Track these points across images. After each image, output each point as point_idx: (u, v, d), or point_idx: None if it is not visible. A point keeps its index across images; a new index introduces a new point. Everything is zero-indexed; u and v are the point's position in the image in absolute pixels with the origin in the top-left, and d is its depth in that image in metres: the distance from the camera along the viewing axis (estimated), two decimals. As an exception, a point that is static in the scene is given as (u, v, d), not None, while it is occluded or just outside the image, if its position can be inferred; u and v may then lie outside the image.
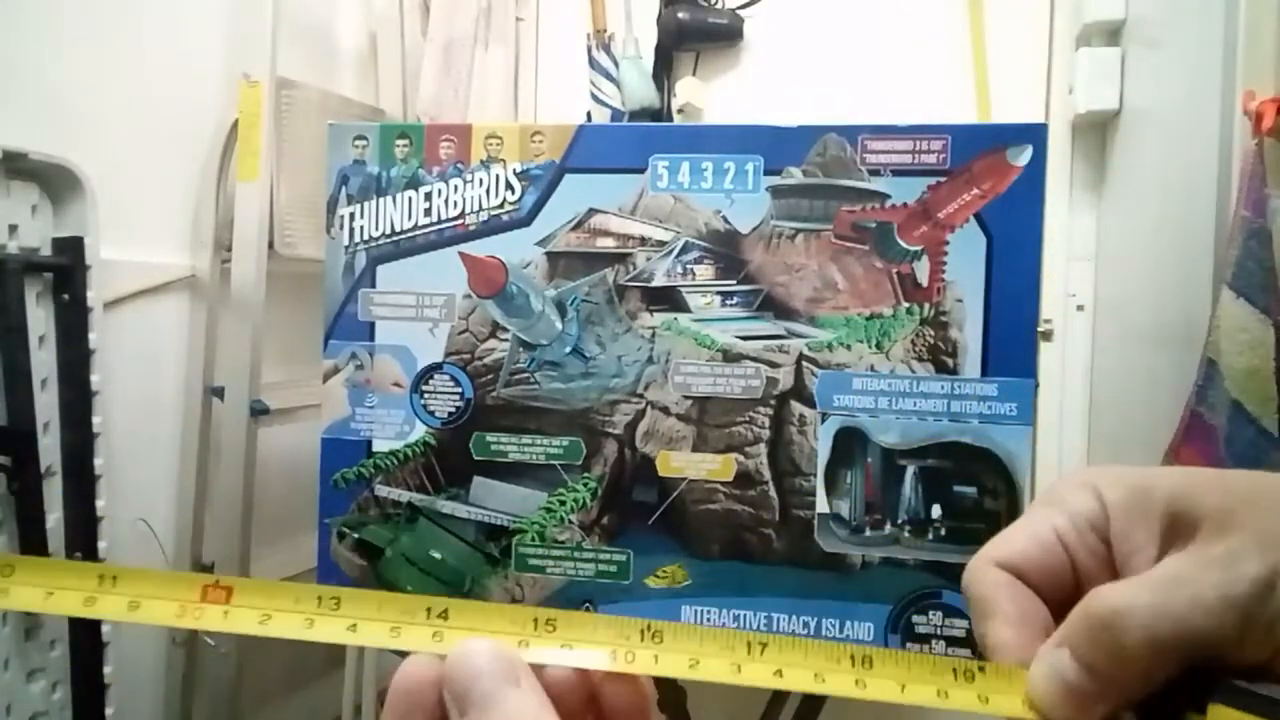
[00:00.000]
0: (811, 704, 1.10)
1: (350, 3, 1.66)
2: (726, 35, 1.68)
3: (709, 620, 0.96)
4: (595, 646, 0.28)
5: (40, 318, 1.10)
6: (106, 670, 1.14)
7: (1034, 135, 0.90)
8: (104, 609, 0.28)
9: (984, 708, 0.27)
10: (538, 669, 0.26)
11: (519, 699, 0.24)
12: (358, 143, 1.02)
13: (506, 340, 0.99)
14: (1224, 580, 0.24)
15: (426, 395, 1.01)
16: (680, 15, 1.66)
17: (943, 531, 0.92)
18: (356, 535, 1.02)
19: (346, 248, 1.02)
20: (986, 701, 0.27)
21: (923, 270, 0.92)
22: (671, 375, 0.96)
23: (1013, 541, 0.29)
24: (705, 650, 0.29)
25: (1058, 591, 0.29)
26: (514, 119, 1.74)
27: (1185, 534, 0.26)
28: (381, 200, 1.01)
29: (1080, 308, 1.59)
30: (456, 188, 1.00)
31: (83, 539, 1.11)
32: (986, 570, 0.29)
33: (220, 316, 1.36)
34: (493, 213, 0.99)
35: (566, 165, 0.98)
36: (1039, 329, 0.93)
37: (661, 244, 0.96)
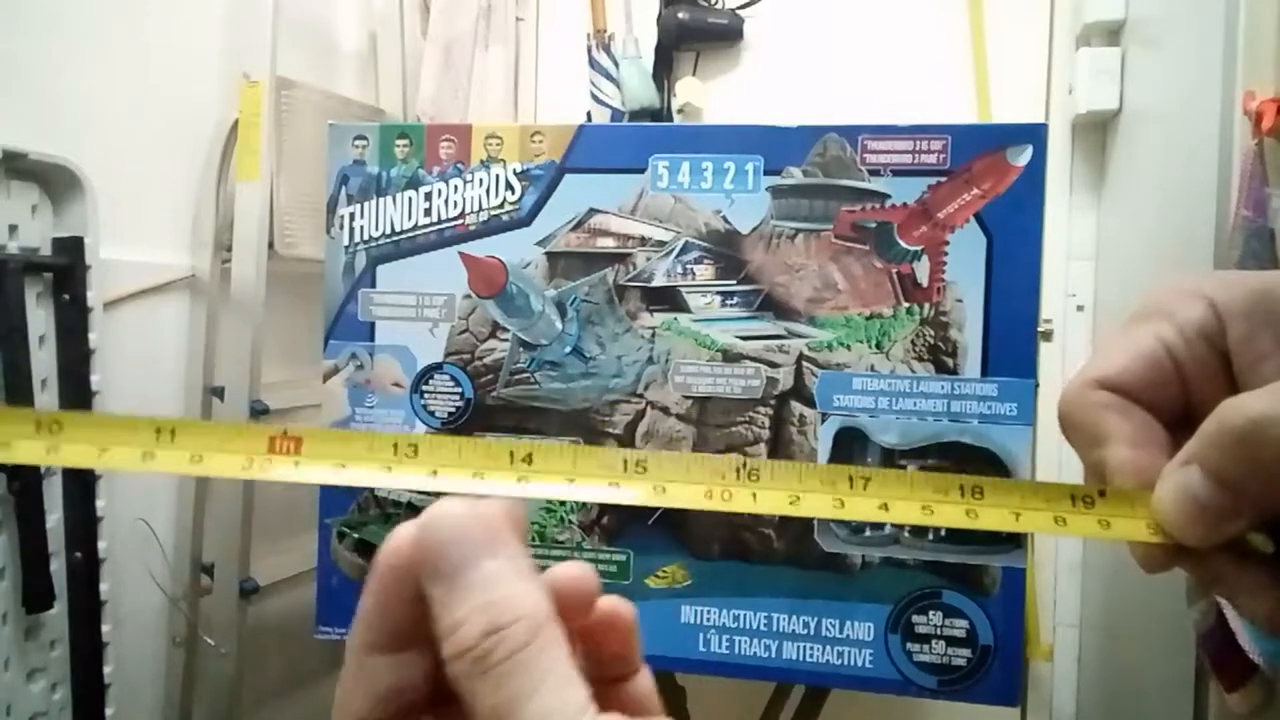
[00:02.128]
0: (812, 703, 1.10)
1: (350, 3, 1.66)
2: (726, 35, 1.68)
3: (708, 620, 0.95)
4: (689, 485, 0.27)
5: (40, 318, 1.10)
6: (106, 670, 1.14)
7: (1034, 135, 0.90)
8: (164, 463, 0.26)
9: (1105, 533, 0.26)
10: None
11: (494, 568, 0.20)
12: (358, 143, 1.02)
13: (506, 340, 0.99)
14: None
15: (426, 395, 1.01)
16: (680, 15, 1.66)
17: (942, 532, 0.92)
18: (356, 535, 1.02)
19: (346, 248, 1.02)
20: (1108, 526, 0.26)
21: (923, 270, 0.92)
22: (671, 375, 0.96)
23: (1114, 359, 0.27)
24: (806, 486, 0.27)
25: (1166, 410, 0.26)
26: (514, 119, 1.74)
27: None
28: (381, 200, 1.01)
29: (1080, 308, 1.59)
30: (456, 188, 1.00)
31: (83, 539, 1.11)
32: (1088, 393, 0.27)
33: (220, 316, 1.36)
34: (493, 213, 0.99)
35: (566, 165, 0.98)
36: (1039, 329, 0.93)
37: (661, 244, 0.96)
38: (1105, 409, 0.26)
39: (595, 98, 1.69)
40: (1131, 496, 0.26)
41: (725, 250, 0.95)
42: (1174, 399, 0.26)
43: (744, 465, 0.27)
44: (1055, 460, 1.53)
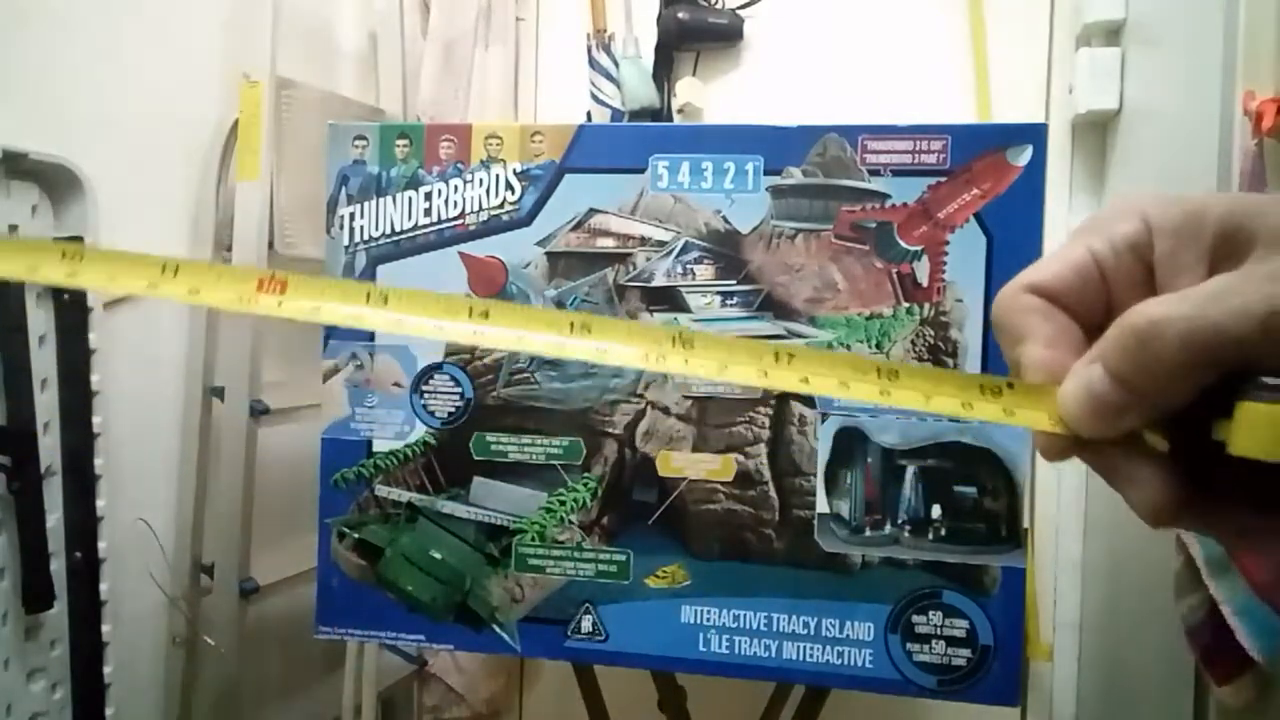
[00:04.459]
0: (812, 703, 1.10)
1: (350, 3, 1.66)
2: (726, 35, 1.67)
3: (708, 620, 0.96)
4: (629, 347, 0.29)
5: (40, 318, 1.10)
6: (106, 670, 1.14)
7: (1034, 135, 0.90)
8: (165, 292, 0.30)
9: (1009, 419, 0.28)
10: None
11: None
12: (358, 143, 1.02)
13: (506, 340, 0.99)
14: (1276, 292, 0.23)
15: (426, 395, 1.01)
16: (680, 15, 1.66)
17: (943, 531, 0.92)
18: (356, 535, 1.02)
19: (346, 248, 1.02)
20: (1012, 415, 0.28)
21: (923, 270, 0.92)
22: (671, 375, 0.96)
23: (1046, 266, 0.29)
24: (734, 357, 0.29)
25: (1093, 317, 0.28)
26: (514, 119, 1.74)
27: (1238, 253, 0.25)
28: (381, 200, 1.01)
29: (1080, 308, 1.59)
30: (456, 188, 1.00)
31: (83, 539, 1.11)
32: (1018, 296, 0.29)
33: (220, 316, 1.36)
34: (493, 213, 0.99)
35: (566, 165, 0.98)
36: (1039, 329, 0.93)
37: (661, 244, 0.96)
38: (1030, 311, 0.28)
39: (595, 98, 1.69)
40: (1037, 390, 0.27)
41: (725, 250, 0.95)
42: (1097, 306, 0.28)
43: (680, 335, 0.29)
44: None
